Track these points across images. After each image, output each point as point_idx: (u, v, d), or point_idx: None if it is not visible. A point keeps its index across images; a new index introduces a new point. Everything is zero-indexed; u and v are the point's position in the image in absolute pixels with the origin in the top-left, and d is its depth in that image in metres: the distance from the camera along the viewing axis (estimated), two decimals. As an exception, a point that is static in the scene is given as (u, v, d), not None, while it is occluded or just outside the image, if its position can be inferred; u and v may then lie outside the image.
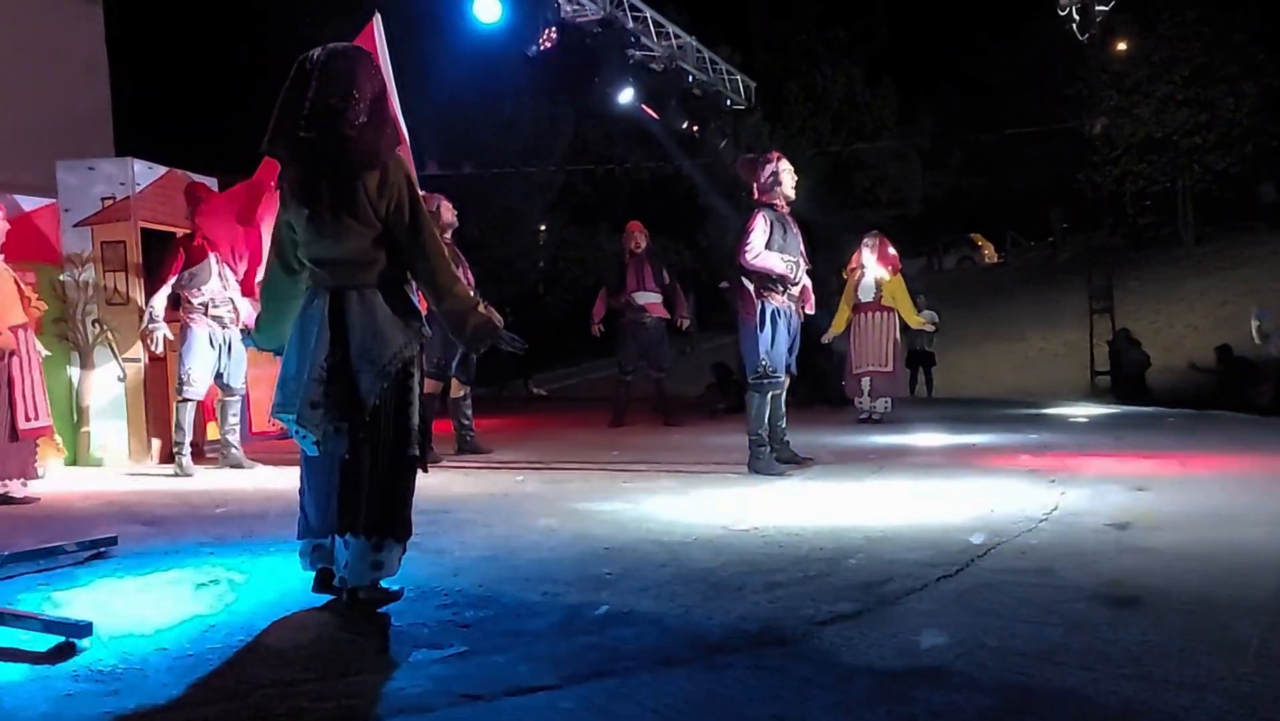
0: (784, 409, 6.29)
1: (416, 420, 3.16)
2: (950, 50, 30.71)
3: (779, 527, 4.22)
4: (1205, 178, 24.54)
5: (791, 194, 6.15)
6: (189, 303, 6.70)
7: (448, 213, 7.04)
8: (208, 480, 6.48)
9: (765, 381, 5.93)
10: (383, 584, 3.14)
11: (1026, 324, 22.19)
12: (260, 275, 4.04)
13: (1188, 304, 20.67)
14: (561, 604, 3.11)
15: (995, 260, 34.42)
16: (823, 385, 10.51)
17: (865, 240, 9.24)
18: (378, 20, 6.33)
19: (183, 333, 6.73)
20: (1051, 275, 26.71)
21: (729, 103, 12.73)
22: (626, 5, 10.53)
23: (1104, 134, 24.08)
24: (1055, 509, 4.49)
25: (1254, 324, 8.76)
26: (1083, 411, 10.34)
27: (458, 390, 7.38)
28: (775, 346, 5.95)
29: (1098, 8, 12.93)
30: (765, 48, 27.57)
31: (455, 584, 3.37)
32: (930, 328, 10.74)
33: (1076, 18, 12.95)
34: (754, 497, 5.12)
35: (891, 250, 9.19)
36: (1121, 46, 23.41)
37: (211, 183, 7.54)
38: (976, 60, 30.41)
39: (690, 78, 11.67)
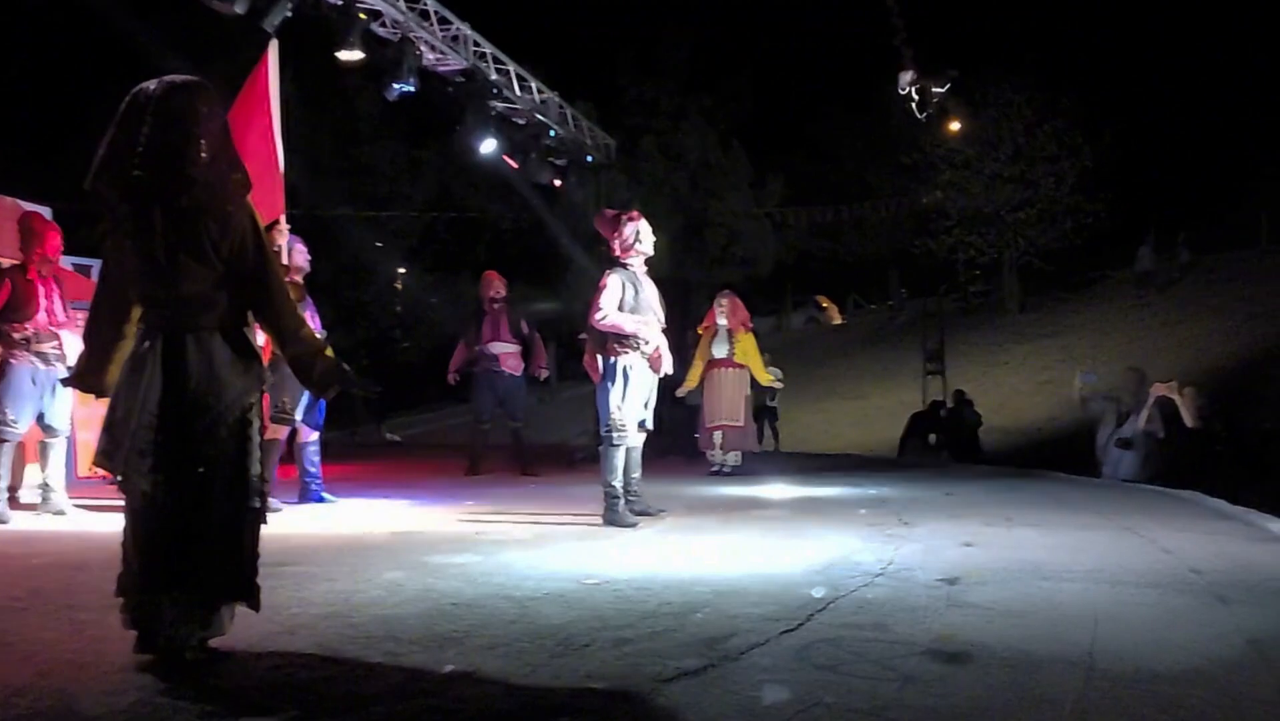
0: (639, 462, 6.36)
1: (258, 470, 3.04)
2: (802, 119, 32.17)
3: (629, 581, 4.24)
4: (1029, 251, 26.40)
5: (650, 251, 6.30)
6: (10, 337, 6.28)
7: (299, 256, 6.88)
8: (25, 527, 6.04)
9: (617, 435, 6.01)
10: (211, 644, 2.99)
11: (866, 382, 23.17)
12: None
13: (1012, 368, 22.01)
14: (404, 664, 3.02)
15: (840, 321, 35.85)
16: (678, 438, 10.70)
17: (718, 299, 9.49)
18: (274, 48, 6.08)
19: (1, 369, 6.29)
20: (890, 337, 28.00)
21: (589, 158, 12.92)
22: (490, 57, 10.59)
23: (939, 206, 25.71)
24: (890, 563, 4.65)
25: (1077, 386, 9.40)
26: (917, 468, 10.80)
27: (305, 435, 7.15)
28: (627, 401, 6.04)
29: (934, 89, 13.87)
30: (631, 103, 28.12)
31: (291, 643, 3.23)
32: (778, 385, 11.11)
33: (915, 97, 13.85)
34: (607, 550, 5.12)
35: (742, 309, 9.47)
36: (955, 126, 25.13)
37: (46, 212, 7.13)
38: (825, 130, 31.89)
39: (552, 131, 11.81)
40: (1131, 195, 25.62)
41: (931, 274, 24.00)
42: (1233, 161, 27.59)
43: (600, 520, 6.00)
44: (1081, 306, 25.57)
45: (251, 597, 3.07)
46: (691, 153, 28.05)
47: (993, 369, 22.03)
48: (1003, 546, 5.18)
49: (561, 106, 12.10)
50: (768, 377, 9.95)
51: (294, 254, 6.75)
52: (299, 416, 6.87)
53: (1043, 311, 26.27)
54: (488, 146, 11.00)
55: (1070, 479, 9.19)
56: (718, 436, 9.28)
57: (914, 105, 13.75)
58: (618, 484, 6.02)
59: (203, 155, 2.95)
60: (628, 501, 6.13)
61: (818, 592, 3.96)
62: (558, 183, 12.73)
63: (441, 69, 10.30)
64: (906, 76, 13.37)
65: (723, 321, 9.29)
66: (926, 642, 3.27)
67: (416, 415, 25.08)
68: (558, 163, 12.42)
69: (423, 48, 9.79)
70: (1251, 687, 2.78)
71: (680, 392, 9.57)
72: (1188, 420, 8.73)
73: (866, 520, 6.15)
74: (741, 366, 9.27)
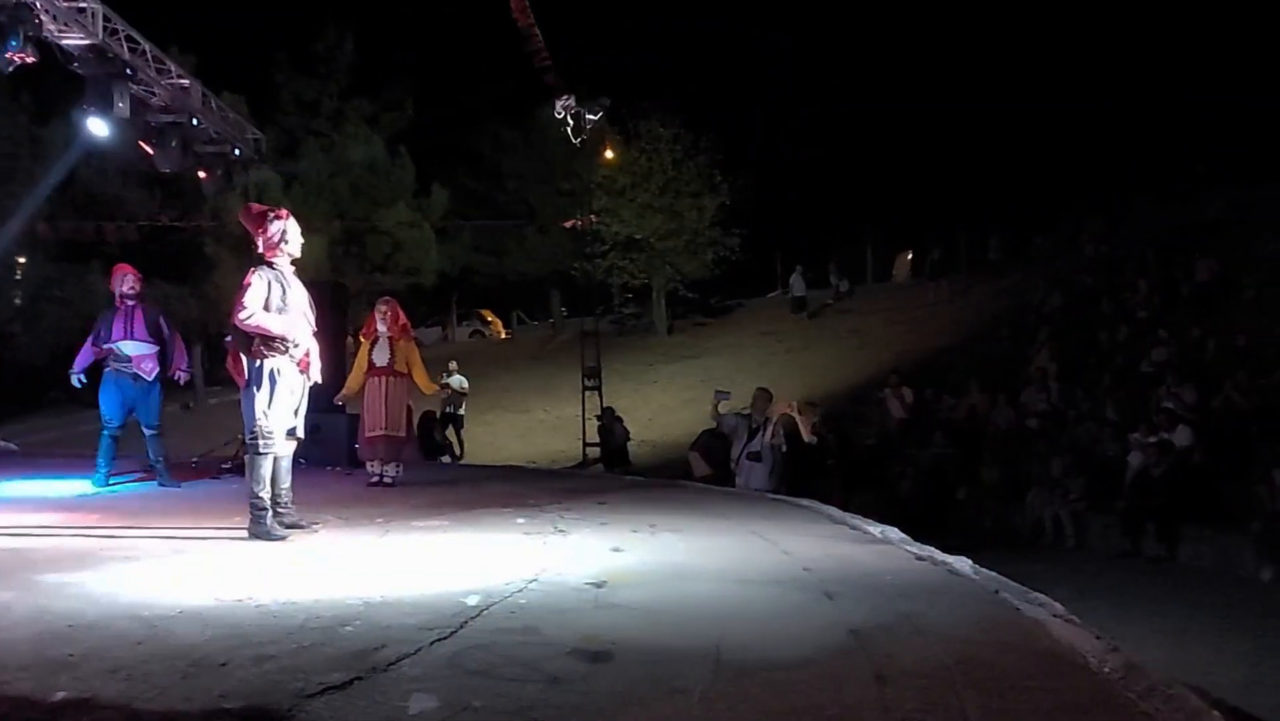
0: (289, 471, 6.07)
1: None
2: (465, 134, 32.37)
3: (275, 596, 4.04)
4: (675, 278, 28.37)
5: (298, 253, 6.05)
6: None
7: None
8: None
9: (264, 442, 5.71)
10: None
11: (530, 397, 23.69)
12: None
13: (661, 385, 23.45)
14: (7, 693, 2.70)
15: (504, 336, 36.33)
16: (336, 447, 10.31)
17: (378, 305, 9.27)
18: None
19: None
20: (553, 353, 28.80)
21: (237, 152, 12.16)
22: (123, 35, 9.67)
23: (593, 230, 26.99)
24: (544, 570, 4.79)
25: (714, 403, 10.14)
26: (575, 478, 11.17)
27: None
28: (274, 406, 5.76)
29: (589, 117, 14.51)
30: (288, 102, 27.08)
31: None
32: (444, 392, 11.05)
33: (571, 123, 14.41)
34: (251, 565, 4.85)
35: (403, 316, 9.32)
36: (609, 154, 26.60)
37: None
38: (489, 147, 32.28)
39: (195, 121, 10.98)
40: (763, 233, 28.50)
41: (589, 295, 25.21)
42: (845, 207, 31.53)
43: (246, 533, 5.66)
44: (720, 331, 27.80)
45: None
46: (354, 157, 27.36)
47: (644, 386, 23.32)
48: (647, 551, 5.50)
49: (205, 95, 11.29)
50: (431, 386, 9.84)
51: None
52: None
53: (687, 335, 28.28)
54: (111, 129, 9.99)
55: (708, 489, 9.86)
56: (378, 447, 9.04)
57: (570, 130, 14.31)
58: (265, 495, 5.71)
59: None
60: (276, 514, 5.83)
61: (472, 600, 4.00)
62: (202, 175, 11.86)
63: (64, 41, 9.26)
64: (562, 101, 13.87)
65: (383, 328, 9.07)
66: (573, 643, 3.41)
67: (36, 419, 22.32)
68: (201, 154, 11.57)
69: (43, 16, 8.76)
70: (850, 670, 3.18)
71: (339, 400, 9.27)
72: (804, 436, 9.71)
73: (524, 529, 6.27)
74: (403, 374, 9.10)
